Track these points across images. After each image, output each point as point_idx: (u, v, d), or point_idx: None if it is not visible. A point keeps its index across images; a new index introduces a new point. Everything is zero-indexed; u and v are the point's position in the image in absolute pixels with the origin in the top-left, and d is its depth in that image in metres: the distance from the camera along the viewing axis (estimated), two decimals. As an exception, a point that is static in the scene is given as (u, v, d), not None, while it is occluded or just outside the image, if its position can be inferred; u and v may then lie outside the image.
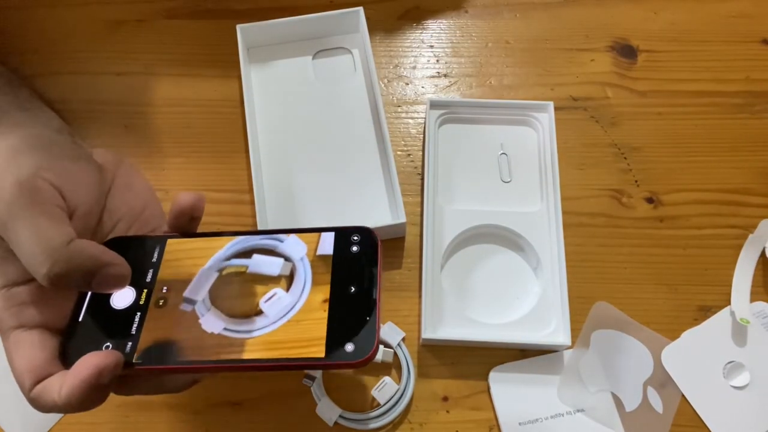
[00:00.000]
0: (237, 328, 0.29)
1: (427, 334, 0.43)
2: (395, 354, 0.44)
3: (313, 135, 0.51)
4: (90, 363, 0.28)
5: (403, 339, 0.44)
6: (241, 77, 0.51)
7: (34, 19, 0.57)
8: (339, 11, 0.53)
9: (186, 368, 0.29)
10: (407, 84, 0.55)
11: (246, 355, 0.28)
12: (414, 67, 0.55)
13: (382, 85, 0.55)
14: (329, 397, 0.43)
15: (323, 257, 0.30)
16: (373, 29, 0.56)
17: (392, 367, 0.44)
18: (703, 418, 0.43)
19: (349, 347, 0.27)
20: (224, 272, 0.30)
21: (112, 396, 0.43)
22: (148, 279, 0.31)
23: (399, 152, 0.52)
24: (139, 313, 0.30)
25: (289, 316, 0.29)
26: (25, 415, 0.43)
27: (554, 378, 0.44)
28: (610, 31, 0.57)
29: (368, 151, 0.50)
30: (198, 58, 0.55)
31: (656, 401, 0.43)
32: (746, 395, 0.43)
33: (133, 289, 0.31)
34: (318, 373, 0.43)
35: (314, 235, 0.31)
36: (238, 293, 0.29)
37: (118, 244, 0.32)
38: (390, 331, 0.44)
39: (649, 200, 0.50)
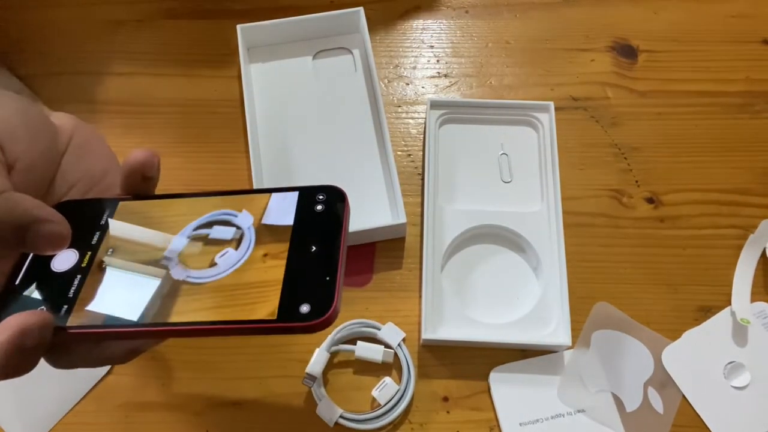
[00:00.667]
0: (197, 275, 0.28)
1: (428, 334, 0.43)
2: (395, 354, 0.44)
3: (313, 135, 0.51)
4: (13, 323, 0.26)
5: (404, 339, 0.44)
6: (241, 77, 0.51)
7: (34, 19, 0.57)
8: (339, 11, 0.53)
9: (122, 331, 0.27)
10: (407, 84, 0.55)
11: (189, 318, 0.27)
12: (414, 67, 0.55)
13: (383, 85, 0.54)
14: (329, 397, 0.43)
15: (268, 225, 0.29)
16: (373, 29, 0.56)
17: (392, 367, 0.44)
18: (703, 419, 0.43)
19: (304, 308, 0.26)
20: (191, 237, 0.30)
21: (112, 396, 0.44)
22: (93, 241, 0.30)
23: (399, 152, 0.52)
24: (79, 276, 0.29)
25: (236, 267, 0.28)
26: (25, 415, 0.43)
27: (554, 378, 0.43)
28: (610, 31, 0.57)
29: (368, 151, 0.50)
30: (198, 58, 0.55)
31: (656, 401, 0.43)
32: (746, 395, 0.43)
33: (76, 251, 0.30)
34: (318, 374, 0.43)
35: (262, 204, 0.30)
36: (199, 252, 0.29)
37: (68, 207, 0.30)
38: (390, 332, 0.44)
39: (649, 200, 0.50)
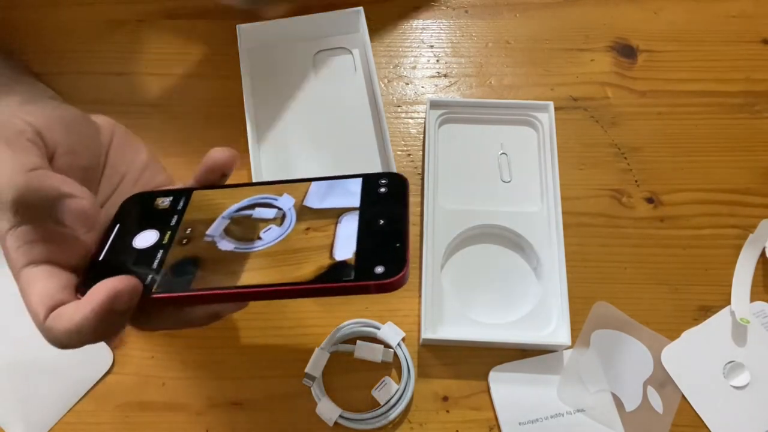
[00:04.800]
0: (245, 246, 0.32)
1: (427, 334, 0.43)
2: (395, 354, 0.44)
3: (313, 135, 0.51)
4: (105, 287, 0.28)
5: (403, 339, 0.44)
6: (241, 77, 0.51)
7: (35, 19, 0.57)
8: (339, 11, 0.53)
9: (203, 295, 0.30)
10: (407, 84, 0.55)
11: (265, 280, 0.30)
12: (414, 67, 0.55)
13: (382, 85, 0.55)
14: (329, 397, 0.43)
15: (306, 207, 0.33)
16: (373, 29, 0.56)
17: (392, 367, 0.44)
18: (703, 418, 0.43)
19: (379, 269, 0.29)
20: (235, 217, 0.34)
21: (112, 396, 0.44)
22: (173, 223, 0.33)
23: (399, 152, 0.52)
24: (161, 251, 0.32)
25: (280, 239, 0.32)
26: (25, 415, 0.43)
27: (554, 378, 0.44)
28: (610, 31, 0.57)
29: (368, 151, 0.50)
30: (198, 58, 0.55)
31: (656, 401, 0.43)
32: (746, 395, 0.43)
33: (157, 231, 0.33)
34: (318, 373, 0.43)
35: (303, 189, 0.34)
36: (246, 227, 0.33)
37: (146, 197, 0.35)
38: (390, 331, 0.44)
39: (649, 200, 0.50)
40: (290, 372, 0.44)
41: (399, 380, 0.43)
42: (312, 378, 0.43)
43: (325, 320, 0.45)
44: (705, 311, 0.46)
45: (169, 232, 0.33)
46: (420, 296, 0.45)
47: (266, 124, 0.51)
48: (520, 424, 0.42)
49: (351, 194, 0.34)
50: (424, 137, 0.52)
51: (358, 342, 0.44)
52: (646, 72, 0.55)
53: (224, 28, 0.55)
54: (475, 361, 0.44)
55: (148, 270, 0.31)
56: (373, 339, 0.45)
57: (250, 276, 0.30)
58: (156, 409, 0.43)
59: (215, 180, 0.35)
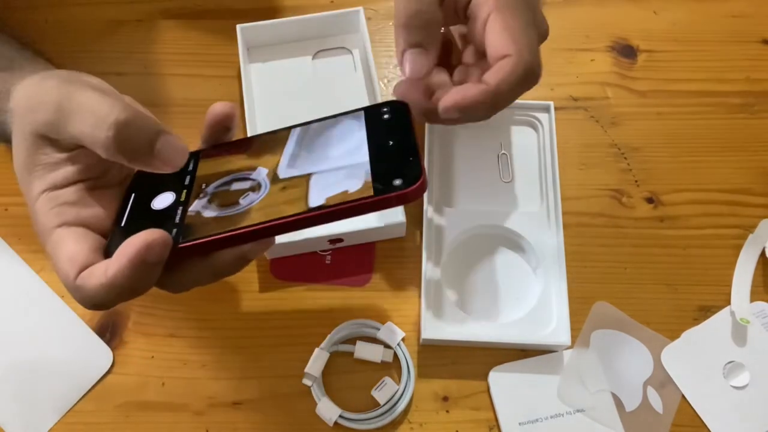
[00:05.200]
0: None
1: (427, 334, 0.43)
2: (395, 354, 0.44)
3: (313, 135, 0.51)
4: (137, 239, 0.29)
5: (403, 339, 0.44)
6: (241, 77, 0.51)
7: (34, 19, 0.57)
8: (339, 11, 0.53)
9: (228, 236, 0.31)
10: (407, 84, 0.55)
11: (289, 211, 0.31)
12: (414, 67, 0.55)
13: (382, 85, 0.54)
14: (329, 397, 0.43)
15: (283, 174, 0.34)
16: (373, 29, 0.56)
17: (392, 367, 0.44)
18: (703, 418, 0.43)
19: (397, 182, 0.31)
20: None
21: (112, 396, 0.44)
22: (186, 182, 0.35)
23: (399, 152, 0.51)
24: (180, 208, 0.34)
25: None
26: (25, 414, 0.43)
27: (554, 378, 0.44)
28: (610, 31, 0.57)
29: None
30: (198, 58, 0.55)
31: (656, 401, 0.43)
32: (746, 395, 0.43)
33: (173, 192, 0.34)
34: (318, 373, 0.43)
35: (276, 160, 0.35)
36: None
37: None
38: (390, 332, 0.44)
39: (649, 200, 0.50)
40: (290, 372, 0.44)
41: (399, 380, 0.43)
42: (312, 378, 0.43)
43: (325, 320, 0.45)
44: (705, 311, 0.46)
45: (184, 191, 0.34)
46: (420, 296, 0.45)
47: (266, 124, 0.51)
48: (520, 424, 0.42)
49: (349, 135, 0.35)
50: (424, 137, 0.52)
51: (358, 342, 0.44)
52: (646, 72, 0.55)
53: (224, 28, 0.55)
54: (475, 361, 0.44)
55: (171, 226, 0.32)
56: (373, 339, 0.45)
57: (273, 212, 0.32)
58: (156, 409, 0.43)
59: (220, 135, 0.37)
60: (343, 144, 0.35)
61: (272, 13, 0.56)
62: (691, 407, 0.43)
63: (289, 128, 0.37)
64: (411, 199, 0.31)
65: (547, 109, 0.51)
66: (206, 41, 0.56)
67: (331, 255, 0.48)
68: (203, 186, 0.35)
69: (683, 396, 0.43)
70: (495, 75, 0.35)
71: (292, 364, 0.44)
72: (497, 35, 0.36)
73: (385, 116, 0.35)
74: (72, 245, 0.30)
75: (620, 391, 0.43)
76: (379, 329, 0.44)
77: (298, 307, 0.46)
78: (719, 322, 0.46)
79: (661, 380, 0.44)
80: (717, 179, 0.51)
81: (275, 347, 0.45)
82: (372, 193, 0.31)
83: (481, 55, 0.38)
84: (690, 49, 0.56)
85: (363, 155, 0.33)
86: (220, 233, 0.31)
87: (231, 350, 0.45)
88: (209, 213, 0.33)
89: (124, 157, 0.31)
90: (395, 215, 0.46)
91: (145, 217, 0.34)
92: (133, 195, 0.35)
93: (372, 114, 0.36)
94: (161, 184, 0.35)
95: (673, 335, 0.45)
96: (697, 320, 0.46)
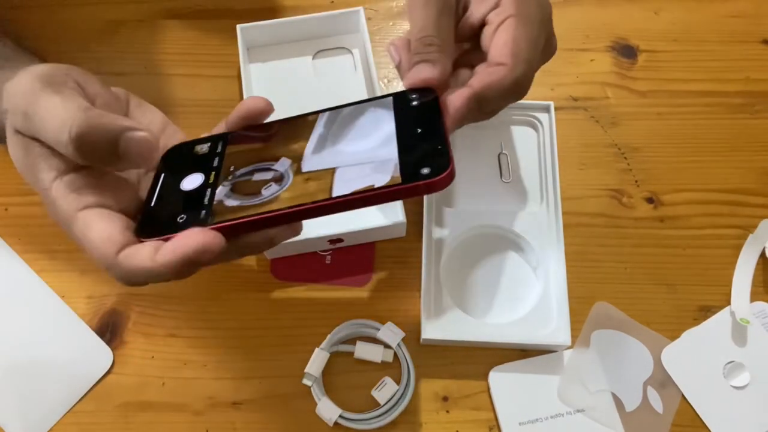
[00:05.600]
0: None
1: (427, 334, 0.43)
2: (395, 354, 0.44)
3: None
4: (195, 239, 0.29)
5: (403, 339, 0.44)
6: (241, 77, 0.51)
7: (34, 20, 0.57)
8: (339, 11, 0.53)
9: (257, 219, 0.32)
10: (407, 84, 0.55)
11: (318, 197, 0.32)
12: (414, 67, 0.55)
13: (382, 85, 0.54)
14: (329, 397, 0.43)
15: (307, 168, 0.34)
16: (373, 29, 0.56)
17: (392, 367, 0.44)
18: (703, 418, 0.43)
19: (425, 170, 0.30)
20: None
21: (112, 396, 0.44)
22: (215, 164, 0.35)
23: (399, 152, 0.51)
24: (209, 189, 0.34)
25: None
26: (24, 415, 0.43)
27: (554, 378, 0.44)
28: (610, 31, 0.57)
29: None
30: (198, 58, 0.55)
31: (656, 401, 0.43)
32: (746, 395, 0.43)
33: (202, 174, 0.35)
34: (318, 373, 0.43)
35: (300, 151, 0.35)
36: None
37: (184, 146, 0.37)
38: (390, 332, 0.44)
39: (649, 200, 0.50)
40: (290, 372, 0.44)
41: (399, 380, 0.43)
42: (312, 378, 0.43)
43: (325, 320, 0.45)
44: (705, 311, 0.46)
45: (213, 173, 0.35)
46: (420, 296, 0.45)
47: (266, 124, 0.51)
48: (520, 424, 0.42)
49: (377, 121, 0.34)
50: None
51: (358, 342, 0.44)
52: (646, 72, 0.55)
53: (224, 28, 0.55)
54: (475, 361, 0.44)
55: (200, 207, 0.33)
56: (373, 339, 0.45)
57: (302, 198, 0.32)
58: (156, 409, 0.43)
59: (247, 125, 0.37)
60: (370, 132, 0.34)
61: (272, 13, 0.56)
62: (691, 407, 0.43)
63: (317, 113, 0.37)
64: (439, 188, 0.31)
65: (547, 109, 0.51)
66: (206, 41, 0.56)
67: (331, 255, 0.48)
68: (231, 168, 0.35)
69: (683, 396, 0.43)
70: (480, 80, 0.35)
71: (292, 364, 0.44)
72: (501, 42, 0.36)
73: (414, 103, 0.35)
74: (105, 225, 0.31)
75: (620, 391, 0.43)
76: (379, 329, 0.44)
77: (298, 307, 0.46)
78: (719, 322, 0.46)
79: (661, 380, 0.44)
80: (717, 179, 0.51)
81: (275, 347, 0.45)
82: (400, 182, 0.30)
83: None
84: (690, 49, 0.56)
85: (390, 144, 0.33)
86: (247, 217, 0.32)
87: (231, 350, 0.45)
88: (235, 198, 0.33)
89: (92, 163, 0.31)
90: (395, 215, 0.46)
91: (175, 198, 0.34)
92: (162, 175, 0.35)
93: (401, 101, 0.35)
94: (190, 165, 0.35)
95: (673, 335, 0.45)
96: (697, 320, 0.46)
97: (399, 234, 0.48)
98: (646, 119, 0.53)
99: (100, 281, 0.47)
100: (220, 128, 0.37)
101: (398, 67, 0.38)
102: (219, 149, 0.36)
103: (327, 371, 0.44)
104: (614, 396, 0.43)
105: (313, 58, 0.54)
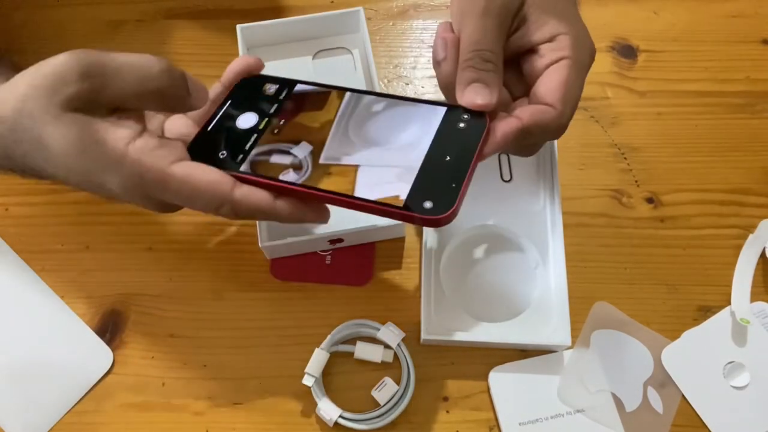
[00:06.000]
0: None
1: (427, 334, 0.43)
2: (395, 354, 0.44)
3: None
4: (323, 215, 0.35)
5: (403, 339, 0.44)
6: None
7: (34, 20, 0.57)
8: (339, 11, 0.53)
9: (280, 186, 0.33)
10: (407, 84, 0.55)
11: (332, 188, 0.33)
12: (414, 67, 0.55)
13: (382, 85, 0.55)
14: (329, 397, 0.43)
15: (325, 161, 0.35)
16: (373, 29, 0.56)
17: (392, 367, 0.44)
18: (703, 418, 0.43)
19: (428, 204, 0.30)
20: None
21: (112, 396, 0.44)
22: (271, 111, 0.36)
23: (399, 152, 0.51)
24: (255, 135, 0.35)
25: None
26: (25, 415, 0.43)
27: (554, 378, 0.43)
28: (610, 31, 0.57)
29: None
30: (198, 58, 0.55)
31: (656, 401, 0.43)
32: (746, 395, 0.43)
33: (256, 115, 0.36)
34: (318, 374, 0.43)
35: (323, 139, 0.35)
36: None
37: (258, 80, 0.38)
38: (390, 332, 0.44)
39: (649, 200, 0.50)
40: (290, 372, 0.44)
41: (399, 380, 0.43)
42: (312, 378, 0.43)
43: (325, 320, 0.45)
44: (705, 311, 0.46)
45: (266, 119, 0.36)
46: (420, 296, 0.45)
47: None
48: (520, 424, 0.42)
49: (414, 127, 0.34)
50: (424, 137, 0.52)
51: (358, 342, 0.44)
52: (646, 72, 0.55)
53: (224, 28, 0.55)
54: (475, 361, 0.44)
55: (240, 149, 0.34)
56: (373, 339, 0.44)
57: (330, 183, 0.33)
58: (156, 409, 0.43)
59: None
60: (406, 137, 0.34)
61: (272, 13, 0.56)
62: (691, 407, 0.43)
63: (375, 94, 0.37)
64: (435, 226, 0.31)
65: (547, 109, 0.51)
66: (206, 41, 0.56)
67: (331, 255, 0.48)
68: (281, 122, 0.36)
69: (683, 396, 0.43)
70: (531, 115, 0.34)
71: (292, 364, 0.44)
72: (555, 85, 0.35)
73: (461, 125, 0.34)
74: (205, 169, 0.33)
75: (620, 391, 0.43)
76: (379, 329, 0.44)
77: (298, 307, 0.46)
78: (719, 322, 0.46)
79: (661, 380, 0.44)
80: (717, 179, 0.51)
81: (275, 347, 0.45)
82: (400, 206, 0.31)
83: (521, 81, 0.38)
84: (690, 49, 0.56)
85: (418, 159, 0.32)
86: (275, 181, 0.33)
87: (231, 350, 0.45)
88: (269, 154, 0.34)
89: (172, 99, 0.34)
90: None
91: (227, 131, 0.36)
92: (228, 102, 0.37)
93: (451, 116, 0.34)
94: (252, 102, 0.37)
95: (673, 335, 0.45)
96: (697, 320, 0.46)
97: (399, 234, 0.48)
98: (646, 119, 0.53)
99: (100, 281, 0.47)
100: (215, 89, 0.38)
101: (438, 62, 0.36)
102: (282, 95, 0.37)
103: (327, 371, 0.44)
104: (614, 396, 0.43)
105: (313, 58, 0.54)
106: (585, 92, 0.54)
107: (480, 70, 0.34)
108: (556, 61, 0.35)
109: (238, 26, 0.52)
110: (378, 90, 0.50)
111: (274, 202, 0.33)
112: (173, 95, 0.33)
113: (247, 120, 0.36)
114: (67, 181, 0.33)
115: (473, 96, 0.34)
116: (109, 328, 0.46)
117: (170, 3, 0.58)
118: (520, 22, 0.36)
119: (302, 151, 0.35)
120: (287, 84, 0.38)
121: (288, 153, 0.35)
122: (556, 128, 0.35)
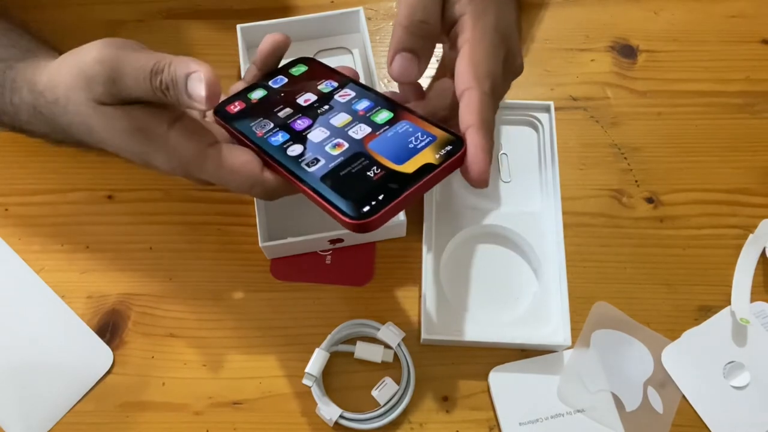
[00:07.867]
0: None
1: (427, 334, 0.43)
2: (395, 354, 0.44)
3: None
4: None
5: (403, 339, 0.44)
6: (241, 77, 0.51)
7: (34, 20, 0.56)
8: (339, 11, 0.53)
9: (268, 160, 0.36)
10: (407, 84, 0.55)
11: None
12: (414, 67, 0.55)
13: (383, 85, 0.54)
14: (329, 397, 0.43)
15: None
16: (373, 29, 0.56)
17: (392, 367, 0.44)
18: (703, 418, 0.43)
19: (344, 206, 0.32)
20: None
21: (112, 396, 0.44)
22: (313, 100, 0.39)
23: (399, 152, 0.51)
24: (289, 121, 0.38)
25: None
26: (25, 415, 0.43)
27: (554, 378, 0.44)
28: (610, 31, 0.57)
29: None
30: (198, 57, 0.55)
31: (656, 401, 0.43)
32: (746, 395, 0.43)
33: (291, 102, 0.40)
34: (318, 373, 0.43)
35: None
36: None
37: (314, 64, 0.43)
38: (390, 332, 0.44)
39: (649, 200, 0.50)
40: (290, 372, 0.44)
41: (399, 380, 0.43)
42: (312, 378, 0.43)
43: (325, 320, 0.45)
44: (705, 311, 0.46)
45: (302, 108, 0.39)
46: (420, 296, 0.45)
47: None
48: (520, 424, 0.42)
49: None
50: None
51: (358, 342, 0.44)
52: (646, 72, 0.55)
53: (224, 28, 0.55)
54: (475, 361, 0.44)
55: (272, 129, 0.38)
56: (373, 339, 0.45)
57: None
58: (156, 409, 0.43)
59: (274, 63, 0.42)
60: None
61: (272, 13, 0.56)
62: (691, 407, 0.43)
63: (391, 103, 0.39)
64: (352, 229, 0.32)
65: (547, 109, 0.51)
66: (206, 41, 0.56)
67: (331, 255, 0.48)
68: (324, 109, 0.38)
69: (683, 396, 0.43)
70: (468, 114, 0.35)
71: (292, 364, 0.44)
72: (464, 69, 0.37)
73: (442, 150, 0.34)
74: (238, 152, 0.36)
75: (620, 391, 0.43)
76: (379, 329, 0.44)
77: (298, 307, 0.46)
78: (719, 322, 0.46)
79: (661, 380, 0.44)
80: (717, 179, 0.51)
81: (275, 347, 0.45)
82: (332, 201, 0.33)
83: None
84: (690, 49, 0.56)
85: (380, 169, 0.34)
86: (265, 151, 0.36)
87: (231, 350, 0.45)
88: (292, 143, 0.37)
89: (168, 97, 0.35)
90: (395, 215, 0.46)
91: (262, 103, 0.40)
92: (276, 76, 0.41)
93: (437, 141, 0.35)
94: (297, 84, 0.41)
95: (673, 335, 0.45)
96: (697, 320, 0.46)
97: (399, 234, 0.48)
98: (646, 119, 0.53)
99: (100, 281, 0.47)
100: (251, 70, 0.42)
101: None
102: (329, 90, 0.40)
103: (327, 371, 0.44)
104: (614, 396, 0.43)
105: (313, 58, 0.54)
106: (585, 92, 0.54)
107: (413, 35, 0.37)
108: (461, 48, 0.37)
109: (238, 26, 0.52)
110: (378, 90, 0.50)
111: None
112: (164, 102, 0.36)
113: (284, 100, 0.39)
114: (117, 155, 0.39)
115: (400, 67, 0.38)
116: (109, 328, 0.46)
117: (170, 3, 0.58)
118: None
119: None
120: (341, 78, 0.40)
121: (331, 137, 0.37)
122: (489, 98, 0.36)
